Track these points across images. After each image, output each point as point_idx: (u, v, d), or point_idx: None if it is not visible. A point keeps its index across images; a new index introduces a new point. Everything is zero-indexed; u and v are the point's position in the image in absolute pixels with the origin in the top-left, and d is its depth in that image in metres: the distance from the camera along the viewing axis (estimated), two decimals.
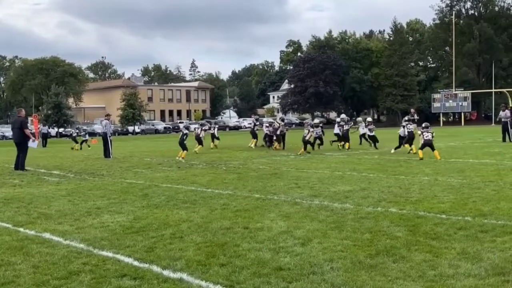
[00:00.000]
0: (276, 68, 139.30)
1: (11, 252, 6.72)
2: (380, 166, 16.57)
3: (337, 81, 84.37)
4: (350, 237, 7.09)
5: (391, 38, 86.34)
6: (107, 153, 23.73)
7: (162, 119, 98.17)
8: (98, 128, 56.99)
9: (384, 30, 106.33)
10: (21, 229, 8.14)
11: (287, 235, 7.28)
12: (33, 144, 19.14)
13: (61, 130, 70.49)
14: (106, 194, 11.93)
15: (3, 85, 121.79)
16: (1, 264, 6.19)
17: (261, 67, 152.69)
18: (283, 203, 10.02)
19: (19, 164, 17.89)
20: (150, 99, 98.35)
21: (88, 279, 5.52)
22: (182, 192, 11.77)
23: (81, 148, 33.14)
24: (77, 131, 39.75)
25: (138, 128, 76.83)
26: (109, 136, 24.23)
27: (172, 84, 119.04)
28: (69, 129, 69.77)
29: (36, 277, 5.63)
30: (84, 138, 35.05)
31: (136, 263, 6.06)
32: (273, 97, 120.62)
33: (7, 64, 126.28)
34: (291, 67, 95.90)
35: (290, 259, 6.08)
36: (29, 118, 72.12)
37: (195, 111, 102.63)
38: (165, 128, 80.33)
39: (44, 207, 10.32)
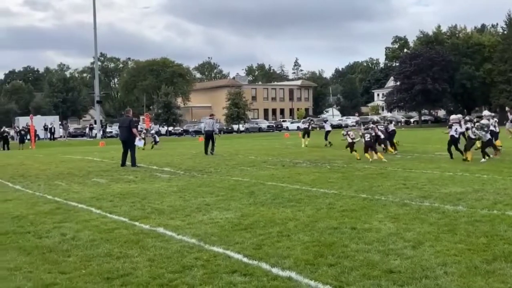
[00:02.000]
0: (381, 65, 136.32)
1: (129, 245, 7.09)
2: (495, 167, 15.72)
3: (446, 77, 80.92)
4: (464, 241, 6.79)
5: (505, 32, 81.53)
6: (209, 150, 24.86)
7: (266, 117, 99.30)
8: (201, 126, 59.16)
9: (497, 24, 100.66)
10: (137, 223, 8.56)
11: (396, 237, 7.11)
12: (139, 142, 20.28)
13: (170, 128, 73.35)
14: (214, 191, 12.26)
15: (117, 85, 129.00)
16: (120, 256, 6.54)
17: (365, 64, 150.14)
18: (391, 204, 9.79)
19: (132, 162, 18.93)
20: (254, 98, 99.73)
21: (201, 274, 5.70)
22: (287, 191, 11.84)
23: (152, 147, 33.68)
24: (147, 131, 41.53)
25: (243, 126, 78.21)
26: (216, 134, 25.43)
27: (276, 83, 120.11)
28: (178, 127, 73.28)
29: (152, 270, 5.90)
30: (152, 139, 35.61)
31: (245, 259, 6.18)
32: (378, 94, 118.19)
33: (121, 65, 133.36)
34: (397, 64, 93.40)
35: (401, 262, 5.93)
36: (141, 117, 76.09)
37: (298, 109, 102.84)
38: (268, 126, 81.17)
39: (157, 202, 10.79)
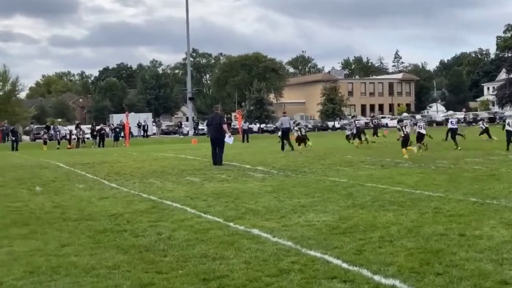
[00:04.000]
0: (492, 56, 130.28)
1: (224, 246, 7.27)
2: None
3: None
4: None
5: None
6: (286, 148, 27.01)
7: (363, 114, 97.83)
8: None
9: None
10: (231, 224, 8.76)
11: (511, 246, 6.81)
12: (229, 139, 20.49)
13: (262, 125, 74.06)
14: (310, 192, 12.28)
15: (208, 82, 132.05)
16: (216, 257, 6.73)
17: (473, 55, 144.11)
18: (504, 208, 9.37)
19: (219, 160, 19.39)
20: (350, 93, 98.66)
21: (298, 279, 5.74)
22: (388, 193, 11.64)
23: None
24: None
25: (338, 123, 77.55)
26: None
27: (374, 77, 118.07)
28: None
29: (248, 273, 6.01)
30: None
31: (345, 265, 6.15)
32: (488, 88, 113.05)
33: (212, 61, 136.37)
34: (510, 55, 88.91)
35: None
36: (233, 114, 77.35)
37: (398, 105, 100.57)
38: (366, 123, 79.95)
39: (251, 202, 10.97)
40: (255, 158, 22.97)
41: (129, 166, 20.87)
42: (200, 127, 73.46)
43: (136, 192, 13.22)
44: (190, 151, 29.61)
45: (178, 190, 13.34)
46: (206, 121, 26.27)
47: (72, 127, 54.81)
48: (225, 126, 20.19)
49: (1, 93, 78.52)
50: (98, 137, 46.03)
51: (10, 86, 79.14)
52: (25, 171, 20.51)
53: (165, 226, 8.77)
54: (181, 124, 72.52)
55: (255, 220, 9.02)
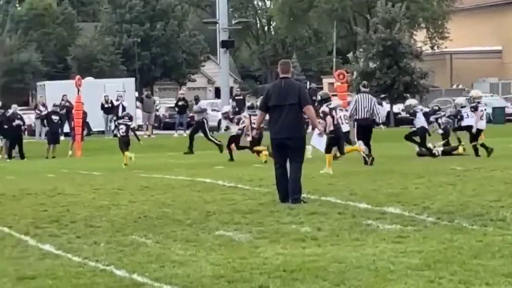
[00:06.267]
0: None
1: None
2: None
3: None
4: None
5: None
6: None
7: None
8: None
9: None
10: None
11: None
12: (319, 140, 15.43)
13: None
14: None
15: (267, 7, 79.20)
16: None
17: None
18: None
19: (293, 187, 11.09)
20: None
21: None
22: None
23: None
24: None
25: None
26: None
27: None
28: None
29: None
30: None
31: None
32: None
33: None
34: None
35: None
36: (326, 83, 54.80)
37: None
38: None
39: None
40: (381, 185, 12.41)
41: (84, 202, 12.06)
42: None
43: (101, 265, 6.52)
44: (224, 169, 17.02)
45: (197, 264, 6.44)
46: (263, 99, 11.41)
47: None
48: (310, 110, 11.86)
49: None
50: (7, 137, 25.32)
51: None
52: None
53: None
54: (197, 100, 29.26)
55: None
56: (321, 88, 44.07)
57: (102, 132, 32.47)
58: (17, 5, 73.17)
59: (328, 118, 14.47)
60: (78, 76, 27.40)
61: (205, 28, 56.03)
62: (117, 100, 29.80)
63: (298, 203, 9.85)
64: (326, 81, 53.01)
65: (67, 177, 16.21)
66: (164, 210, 10.00)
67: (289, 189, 10.05)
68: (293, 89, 10.28)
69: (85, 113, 26.92)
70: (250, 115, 17.82)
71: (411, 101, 20.02)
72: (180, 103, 32.76)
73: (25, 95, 60.90)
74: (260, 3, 75.72)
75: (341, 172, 14.32)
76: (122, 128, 19.26)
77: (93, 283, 5.71)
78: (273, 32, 73.22)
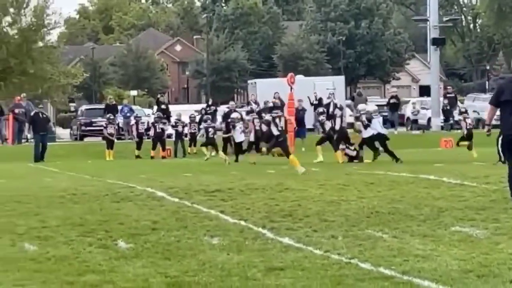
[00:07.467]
0: None
1: None
2: None
3: None
4: None
5: None
6: None
7: None
8: None
9: None
10: None
11: None
12: None
13: None
14: None
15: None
16: None
17: None
18: None
19: None
20: None
21: None
22: None
23: None
24: None
25: None
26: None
27: None
28: None
29: None
30: None
31: None
32: None
33: None
34: None
35: None
36: None
37: None
38: None
39: None
40: None
41: (313, 197, 11.38)
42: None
43: (345, 258, 6.50)
44: (444, 166, 17.26)
45: (441, 259, 6.40)
46: (495, 93, 10.12)
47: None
48: None
49: (14, 32, 42.13)
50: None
51: (32, 18, 41.85)
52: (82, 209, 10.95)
53: None
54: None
55: None
56: None
57: (311, 130, 31.20)
58: (223, 5, 76.45)
59: None
60: (291, 74, 27.71)
61: (409, 26, 57.37)
62: (328, 98, 28.45)
63: None
64: None
65: (288, 172, 16.38)
66: (395, 206, 10.14)
67: None
68: None
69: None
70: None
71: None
72: (391, 100, 33.26)
73: (232, 93, 63.64)
74: (466, 0, 75.28)
75: None
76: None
77: (342, 275, 5.76)
78: (479, 30, 73.05)
